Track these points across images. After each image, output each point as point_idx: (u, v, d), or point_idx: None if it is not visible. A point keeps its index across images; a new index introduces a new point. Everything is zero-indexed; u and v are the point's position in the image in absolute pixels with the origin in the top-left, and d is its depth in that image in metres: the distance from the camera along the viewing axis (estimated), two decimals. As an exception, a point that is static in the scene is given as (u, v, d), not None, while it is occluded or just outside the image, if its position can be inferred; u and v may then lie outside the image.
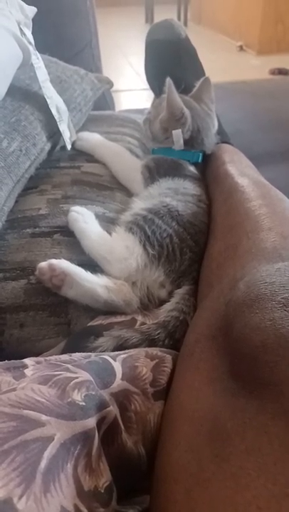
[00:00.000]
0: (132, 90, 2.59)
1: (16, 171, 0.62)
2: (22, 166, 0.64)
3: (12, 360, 0.37)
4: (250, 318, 0.33)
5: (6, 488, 0.24)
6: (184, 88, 0.75)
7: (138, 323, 0.48)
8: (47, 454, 0.27)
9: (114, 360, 0.39)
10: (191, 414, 0.34)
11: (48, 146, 0.72)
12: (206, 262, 0.55)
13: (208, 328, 0.40)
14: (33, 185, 0.68)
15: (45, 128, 0.71)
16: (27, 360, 0.37)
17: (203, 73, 0.87)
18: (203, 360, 0.37)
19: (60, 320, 0.52)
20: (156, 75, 0.87)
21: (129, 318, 0.49)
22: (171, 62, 0.84)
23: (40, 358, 0.38)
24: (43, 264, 0.51)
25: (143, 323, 0.48)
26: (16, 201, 0.64)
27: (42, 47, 0.77)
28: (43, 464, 0.26)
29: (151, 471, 0.35)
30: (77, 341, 0.48)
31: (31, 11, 0.74)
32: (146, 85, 0.95)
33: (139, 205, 0.63)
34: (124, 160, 0.76)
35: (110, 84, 1.03)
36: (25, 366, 0.36)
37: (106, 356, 0.39)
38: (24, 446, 0.26)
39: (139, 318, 0.49)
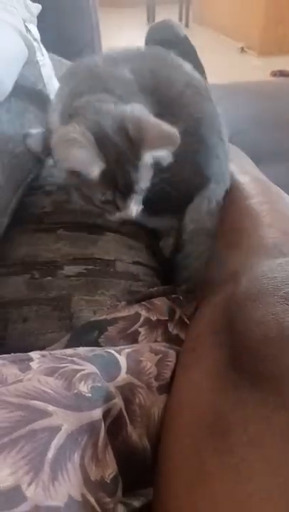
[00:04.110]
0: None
1: (22, 173, 0.62)
2: (27, 168, 0.64)
3: (18, 353, 0.37)
4: (253, 312, 0.34)
5: (15, 476, 0.24)
6: None
7: (142, 318, 0.49)
8: (54, 443, 0.27)
9: (119, 354, 0.39)
10: (192, 408, 0.34)
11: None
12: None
13: (209, 324, 0.40)
14: (38, 186, 0.68)
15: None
16: (32, 354, 0.37)
17: (203, 72, 0.87)
18: (204, 355, 0.38)
19: (62, 314, 0.53)
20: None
21: (133, 312, 0.49)
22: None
23: (45, 352, 0.38)
24: None
25: (147, 318, 0.49)
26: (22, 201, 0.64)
27: (43, 45, 0.77)
28: (51, 453, 0.27)
29: (155, 464, 0.35)
30: (81, 336, 0.48)
31: (36, 7, 0.74)
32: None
33: None
34: None
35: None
36: (30, 359, 0.36)
37: (111, 350, 0.40)
38: (32, 436, 0.26)
39: (143, 313, 0.49)
